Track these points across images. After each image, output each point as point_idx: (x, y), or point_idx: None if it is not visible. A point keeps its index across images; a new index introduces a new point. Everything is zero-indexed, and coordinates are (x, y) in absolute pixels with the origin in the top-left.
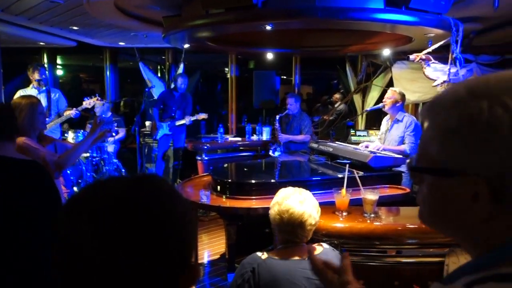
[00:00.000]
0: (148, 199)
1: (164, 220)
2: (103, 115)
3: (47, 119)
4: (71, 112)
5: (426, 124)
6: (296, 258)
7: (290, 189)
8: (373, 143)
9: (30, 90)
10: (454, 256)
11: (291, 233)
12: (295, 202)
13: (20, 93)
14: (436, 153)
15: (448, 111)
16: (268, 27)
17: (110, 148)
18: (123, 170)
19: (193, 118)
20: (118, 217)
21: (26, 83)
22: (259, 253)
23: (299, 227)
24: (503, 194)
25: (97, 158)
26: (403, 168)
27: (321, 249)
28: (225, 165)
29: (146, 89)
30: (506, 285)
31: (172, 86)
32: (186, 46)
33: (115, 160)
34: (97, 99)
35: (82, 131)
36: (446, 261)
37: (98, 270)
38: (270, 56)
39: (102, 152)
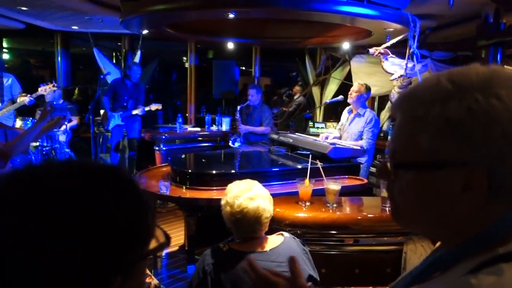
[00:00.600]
0: (102, 190)
1: (122, 212)
2: (55, 102)
3: None
4: (24, 99)
5: (404, 119)
6: (257, 250)
7: (239, 185)
8: (332, 134)
9: None
10: (412, 244)
11: (249, 230)
12: (246, 200)
13: None
14: (426, 147)
15: (441, 104)
16: (231, 15)
17: (62, 137)
18: None
19: (146, 109)
20: (62, 207)
21: None
22: (220, 245)
23: (256, 223)
24: (496, 182)
25: (48, 148)
26: (361, 159)
27: (282, 239)
28: (185, 155)
29: (101, 76)
30: None
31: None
32: (145, 32)
33: (67, 150)
34: (53, 86)
35: (31, 118)
36: (405, 248)
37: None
38: (230, 46)
39: (53, 141)
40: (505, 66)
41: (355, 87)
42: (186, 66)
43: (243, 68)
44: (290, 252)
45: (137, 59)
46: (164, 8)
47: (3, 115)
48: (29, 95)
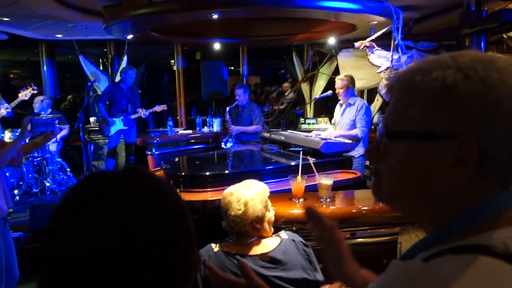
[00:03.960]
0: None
1: (175, 213)
2: (43, 112)
3: None
4: (2, 112)
5: (399, 92)
6: (247, 253)
7: (241, 184)
8: (326, 130)
9: None
10: (406, 234)
11: (253, 229)
12: (248, 198)
13: None
14: (418, 117)
15: (439, 71)
16: (215, 16)
17: (53, 147)
18: (67, 169)
19: (150, 111)
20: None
21: None
22: (213, 245)
23: (259, 222)
24: (487, 157)
25: (39, 158)
26: (353, 153)
27: (277, 242)
28: (178, 158)
29: (89, 84)
30: (462, 256)
31: (118, 79)
32: (129, 37)
33: (58, 159)
34: (33, 89)
35: (19, 130)
36: (399, 239)
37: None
38: (217, 46)
39: (44, 151)
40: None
41: (338, 84)
42: (174, 69)
43: (232, 68)
44: (284, 256)
45: (124, 64)
46: (147, 12)
47: None
48: (6, 107)
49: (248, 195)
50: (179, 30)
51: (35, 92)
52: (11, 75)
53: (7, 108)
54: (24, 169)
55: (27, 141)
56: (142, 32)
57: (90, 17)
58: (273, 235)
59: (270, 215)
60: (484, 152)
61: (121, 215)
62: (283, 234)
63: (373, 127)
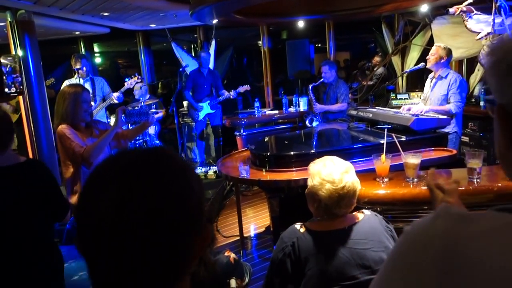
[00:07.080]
0: (168, 167)
1: (188, 185)
2: (141, 98)
3: (92, 104)
4: (113, 99)
5: None
6: (335, 229)
7: (326, 162)
8: (416, 105)
9: (75, 80)
10: None
11: (347, 206)
12: (343, 175)
13: (66, 83)
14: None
15: (498, 46)
16: None
17: (151, 130)
18: None
19: (238, 90)
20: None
21: (69, 73)
22: (297, 226)
23: (353, 197)
24: None
25: (141, 141)
26: (448, 129)
27: (361, 216)
28: (263, 138)
29: (180, 69)
30: None
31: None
32: (215, 21)
33: (157, 142)
34: (137, 78)
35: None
36: None
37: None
38: (301, 24)
39: (144, 134)
40: None
41: (433, 50)
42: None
43: (319, 45)
44: (371, 229)
45: (212, 48)
46: None
47: (98, 113)
48: (117, 94)
49: (342, 169)
50: (262, 10)
51: (139, 81)
52: (117, 65)
53: (120, 92)
54: None
55: (129, 127)
56: (225, 15)
57: (179, 5)
58: (356, 212)
59: (359, 187)
60: None
61: (125, 189)
62: (366, 211)
63: (473, 100)
